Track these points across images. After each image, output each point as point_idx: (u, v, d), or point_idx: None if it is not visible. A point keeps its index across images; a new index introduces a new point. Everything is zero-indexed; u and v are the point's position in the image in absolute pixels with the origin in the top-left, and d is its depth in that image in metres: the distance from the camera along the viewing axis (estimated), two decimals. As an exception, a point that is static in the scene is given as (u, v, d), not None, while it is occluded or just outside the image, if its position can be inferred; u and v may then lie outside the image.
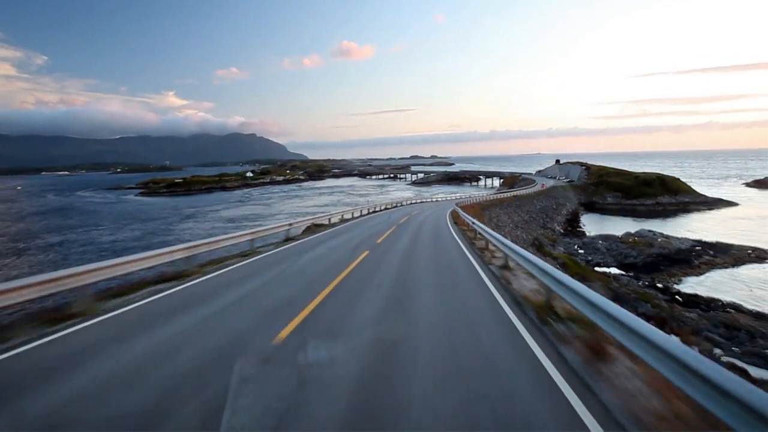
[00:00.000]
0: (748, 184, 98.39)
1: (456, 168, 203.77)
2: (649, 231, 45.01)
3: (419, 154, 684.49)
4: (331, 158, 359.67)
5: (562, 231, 52.06)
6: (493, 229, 20.91)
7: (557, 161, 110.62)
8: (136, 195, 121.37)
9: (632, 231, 46.43)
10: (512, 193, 63.68)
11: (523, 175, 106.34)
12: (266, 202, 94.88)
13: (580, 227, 57.49)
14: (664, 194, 71.68)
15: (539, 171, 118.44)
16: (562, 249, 41.89)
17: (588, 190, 76.13)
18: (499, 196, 60.33)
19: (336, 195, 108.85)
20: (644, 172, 78.65)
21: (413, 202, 55.71)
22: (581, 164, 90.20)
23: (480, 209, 40.82)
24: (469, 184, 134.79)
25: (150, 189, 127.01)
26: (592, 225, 58.95)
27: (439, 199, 64.75)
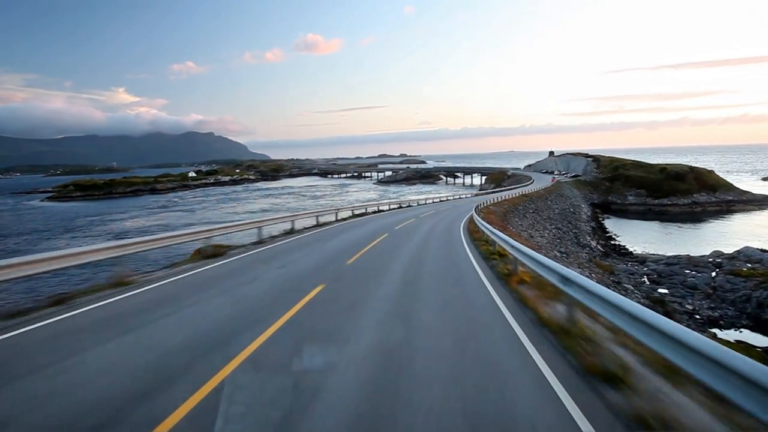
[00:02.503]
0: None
1: (429, 165, 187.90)
2: (761, 250, 28.63)
3: (388, 153, 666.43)
4: (295, 158, 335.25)
5: (601, 249, 35.22)
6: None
7: (551, 153, 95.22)
8: (42, 200, 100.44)
9: (724, 250, 30.15)
10: (518, 191, 46.86)
11: (511, 171, 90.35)
12: (193, 207, 78.02)
13: (615, 239, 41.02)
14: (700, 191, 56.40)
15: (529, 165, 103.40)
16: (630, 287, 25.12)
17: (601, 187, 60.19)
18: (508, 195, 42.82)
19: (284, 197, 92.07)
20: (672, 164, 63.07)
21: (375, 209, 32.53)
22: (585, 156, 74.43)
23: (499, 219, 23.46)
24: (444, 182, 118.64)
25: (61, 193, 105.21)
26: (628, 235, 42.64)
27: (411, 203, 40.38)
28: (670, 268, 27.37)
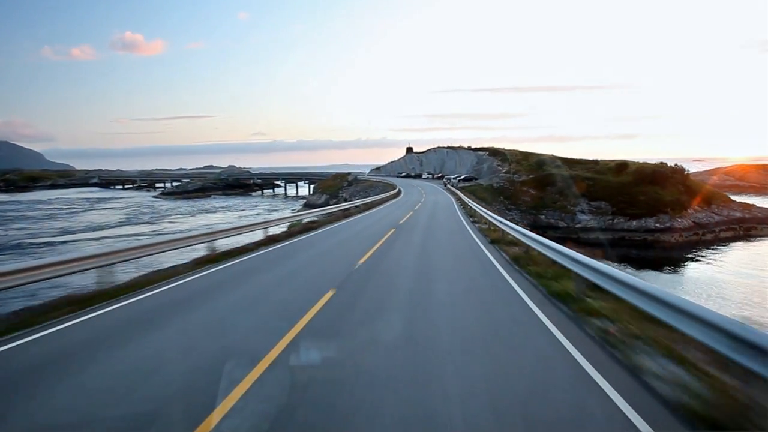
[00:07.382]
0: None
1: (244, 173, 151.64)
2: None
3: (216, 164, 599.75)
4: (106, 168, 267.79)
5: None
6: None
7: (410, 150, 66.53)
8: None
9: None
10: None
11: (353, 175, 59.48)
12: None
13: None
14: (692, 204, 31.29)
15: (377, 168, 73.84)
16: None
17: (522, 198, 31.82)
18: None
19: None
20: (633, 162, 36.89)
21: None
22: (471, 149, 46.42)
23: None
24: (260, 193, 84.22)
25: None
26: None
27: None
28: None
